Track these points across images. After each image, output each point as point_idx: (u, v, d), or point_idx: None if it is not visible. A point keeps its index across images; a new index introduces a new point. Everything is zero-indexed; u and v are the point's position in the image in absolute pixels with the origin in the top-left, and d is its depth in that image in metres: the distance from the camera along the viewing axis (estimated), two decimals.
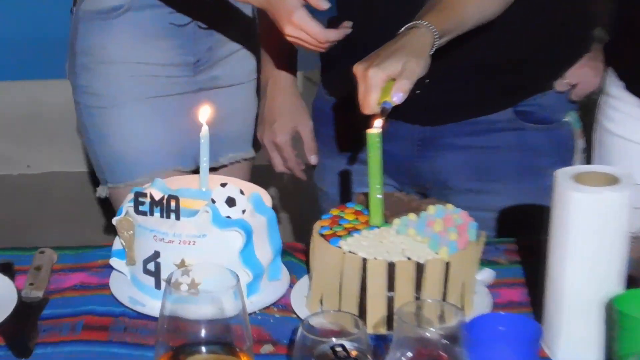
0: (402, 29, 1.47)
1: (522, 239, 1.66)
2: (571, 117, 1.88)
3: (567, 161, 1.83)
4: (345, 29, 1.67)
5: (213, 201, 1.46)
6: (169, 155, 2.04)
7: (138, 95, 1.73)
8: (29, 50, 4.44)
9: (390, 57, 1.39)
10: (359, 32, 1.57)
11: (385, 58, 1.39)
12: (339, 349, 1.06)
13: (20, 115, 4.05)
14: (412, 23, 1.48)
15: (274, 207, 1.56)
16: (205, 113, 1.45)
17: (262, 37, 1.93)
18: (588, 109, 1.89)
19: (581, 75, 1.85)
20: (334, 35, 1.64)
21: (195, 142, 1.55)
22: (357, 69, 1.40)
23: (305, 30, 1.60)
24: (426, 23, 1.47)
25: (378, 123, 1.39)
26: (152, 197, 1.44)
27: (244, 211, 1.48)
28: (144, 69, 1.66)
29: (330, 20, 1.82)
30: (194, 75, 1.97)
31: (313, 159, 1.96)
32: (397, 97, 1.38)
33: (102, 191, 2.12)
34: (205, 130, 1.49)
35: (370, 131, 1.39)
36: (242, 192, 1.48)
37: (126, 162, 2.05)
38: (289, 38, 1.58)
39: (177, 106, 1.56)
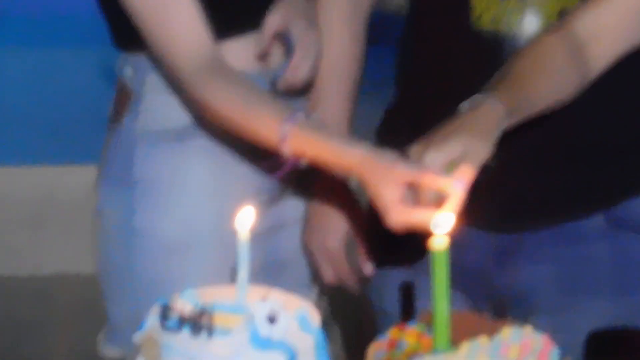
0: (464, 103, 1.44)
1: None
2: None
3: None
4: None
5: (252, 317, 1.42)
6: None
7: (216, 240, 1.67)
8: (42, 135, 4.49)
9: (450, 138, 1.38)
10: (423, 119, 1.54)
11: (444, 139, 1.37)
12: None
13: (31, 202, 4.00)
14: (476, 96, 1.45)
15: (324, 323, 1.52)
16: (246, 216, 1.39)
17: None
18: None
19: None
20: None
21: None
22: (413, 152, 1.39)
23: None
24: (491, 98, 1.46)
25: (441, 228, 1.35)
26: (181, 311, 1.40)
27: (287, 330, 1.44)
28: (226, 202, 1.59)
29: (387, 112, 1.97)
30: (264, 210, 1.80)
31: (368, 269, 1.89)
32: (459, 185, 1.36)
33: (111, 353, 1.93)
34: (244, 235, 1.44)
35: (435, 246, 1.32)
36: (285, 308, 1.43)
37: None
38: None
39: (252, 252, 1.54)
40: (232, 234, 1.39)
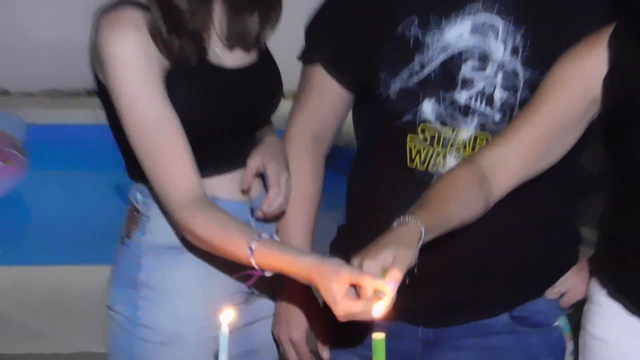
0: (394, 223, 1.48)
1: None
2: (561, 322, 1.87)
3: None
4: None
5: None
6: None
7: (202, 333, 1.68)
8: (68, 241, 4.41)
9: (382, 249, 1.39)
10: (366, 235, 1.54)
11: (378, 250, 1.39)
12: None
13: (56, 294, 3.80)
14: (401, 218, 1.49)
15: None
16: (227, 315, 1.36)
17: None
18: (575, 315, 1.90)
19: (570, 284, 1.85)
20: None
21: None
22: (354, 260, 1.41)
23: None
24: (414, 219, 1.48)
25: (378, 312, 1.39)
26: None
27: None
28: (211, 303, 1.58)
29: (340, 229, 1.91)
30: (241, 309, 1.83)
31: (325, 355, 1.89)
32: (390, 285, 1.36)
33: None
34: (225, 329, 1.39)
35: (375, 336, 1.30)
36: None
37: None
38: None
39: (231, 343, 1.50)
40: (216, 327, 1.34)
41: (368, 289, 1.37)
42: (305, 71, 1.87)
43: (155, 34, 1.64)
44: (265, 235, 1.58)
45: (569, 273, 1.84)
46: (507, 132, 1.68)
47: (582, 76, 1.67)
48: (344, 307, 1.37)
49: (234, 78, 1.76)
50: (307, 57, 1.86)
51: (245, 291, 1.80)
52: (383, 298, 1.38)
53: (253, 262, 1.57)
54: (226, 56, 1.76)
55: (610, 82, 1.65)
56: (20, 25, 5.89)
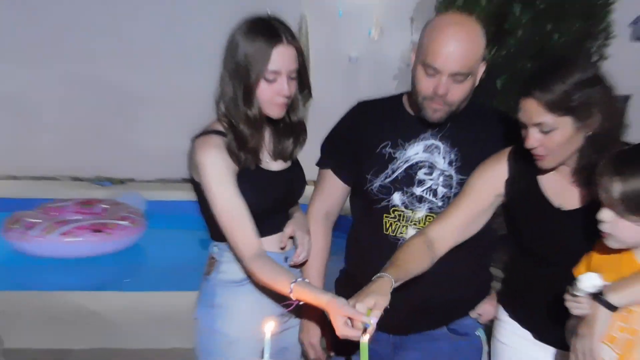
0: (374, 277, 1.54)
1: None
2: (480, 332, 1.92)
3: (478, 359, 1.91)
4: None
5: None
6: None
7: (255, 336, 1.57)
8: (165, 272, 4.41)
9: (368, 296, 1.47)
10: (362, 277, 1.60)
11: (365, 296, 1.47)
12: None
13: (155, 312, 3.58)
14: (379, 274, 1.55)
15: None
16: (269, 325, 1.38)
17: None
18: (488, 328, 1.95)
19: (485, 309, 1.89)
20: None
21: None
22: (350, 301, 1.47)
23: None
24: (387, 275, 1.54)
25: (366, 337, 1.41)
26: None
27: None
28: (260, 318, 1.59)
29: (341, 271, 1.98)
30: (280, 322, 1.80)
31: (332, 353, 1.95)
32: (373, 320, 1.44)
33: None
34: (268, 335, 1.39)
35: (362, 340, 1.41)
36: None
37: None
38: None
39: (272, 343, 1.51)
40: (262, 334, 1.36)
41: (358, 323, 1.45)
42: (320, 172, 1.94)
43: (230, 150, 1.72)
44: (299, 280, 1.67)
45: (484, 300, 1.92)
46: (444, 214, 1.77)
47: (491, 180, 1.73)
48: (342, 331, 1.45)
49: (277, 178, 1.83)
50: (322, 163, 1.92)
51: (282, 312, 1.84)
52: (368, 328, 1.43)
53: (292, 296, 1.64)
54: (272, 164, 1.81)
55: (508, 183, 1.72)
56: (144, 134, 5.97)
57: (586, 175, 1.52)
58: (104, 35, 5.82)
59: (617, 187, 1.37)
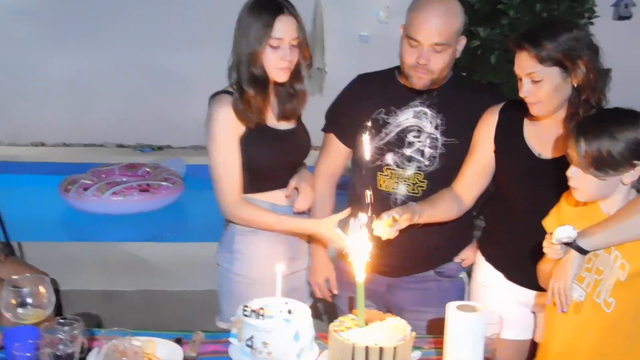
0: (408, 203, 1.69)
1: (435, 337, 1.65)
2: (463, 275, 1.96)
3: (461, 298, 1.88)
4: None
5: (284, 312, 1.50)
6: None
7: (268, 277, 1.60)
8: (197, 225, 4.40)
9: (395, 210, 1.56)
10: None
11: (393, 211, 1.56)
12: None
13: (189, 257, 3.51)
14: (411, 203, 1.67)
15: (315, 313, 1.68)
16: (280, 268, 1.49)
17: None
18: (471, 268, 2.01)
19: (467, 254, 1.93)
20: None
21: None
22: (384, 214, 1.54)
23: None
24: (417, 206, 1.64)
25: (362, 277, 1.43)
26: (251, 308, 1.46)
27: (298, 317, 1.48)
28: (273, 261, 1.58)
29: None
30: (289, 265, 1.79)
31: (334, 291, 2.00)
32: (394, 230, 1.52)
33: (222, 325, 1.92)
34: (279, 276, 1.50)
35: (358, 280, 1.46)
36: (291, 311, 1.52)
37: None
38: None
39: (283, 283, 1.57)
40: (275, 274, 1.50)
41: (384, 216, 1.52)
42: (325, 137, 1.96)
43: (236, 108, 1.75)
44: (282, 215, 1.76)
45: (467, 247, 1.95)
46: (461, 171, 1.77)
47: (487, 130, 1.73)
48: (333, 243, 1.64)
49: (284, 135, 1.84)
50: (327, 129, 1.95)
51: (292, 255, 1.89)
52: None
53: (277, 227, 1.73)
54: (278, 124, 1.82)
55: (498, 130, 1.71)
56: (179, 107, 5.79)
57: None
58: (147, 23, 5.80)
59: (582, 147, 1.39)
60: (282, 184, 1.84)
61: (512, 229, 1.72)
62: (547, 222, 1.53)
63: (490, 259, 1.80)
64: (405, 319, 1.50)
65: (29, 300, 1.37)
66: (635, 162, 1.39)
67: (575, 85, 1.51)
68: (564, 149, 1.49)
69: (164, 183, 4.60)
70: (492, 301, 1.74)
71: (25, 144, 6.03)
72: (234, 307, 1.60)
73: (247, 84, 1.70)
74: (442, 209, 1.69)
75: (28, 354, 1.21)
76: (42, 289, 1.38)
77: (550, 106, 1.56)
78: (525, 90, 1.54)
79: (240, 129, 1.74)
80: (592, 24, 4.08)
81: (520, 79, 1.56)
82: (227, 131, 1.73)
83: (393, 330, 1.41)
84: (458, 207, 1.72)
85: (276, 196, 1.83)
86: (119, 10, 5.88)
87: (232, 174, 1.76)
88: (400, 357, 1.35)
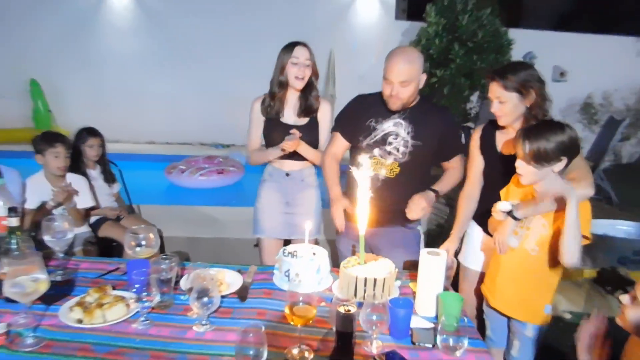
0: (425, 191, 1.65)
1: (411, 271, 1.60)
2: (420, 228, 1.80)
3: (418, 243, 1.78)
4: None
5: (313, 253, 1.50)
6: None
7: (274, 206, 1.78)
8: (247, 194, 4.11)
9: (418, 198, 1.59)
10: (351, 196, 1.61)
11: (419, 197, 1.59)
12: None
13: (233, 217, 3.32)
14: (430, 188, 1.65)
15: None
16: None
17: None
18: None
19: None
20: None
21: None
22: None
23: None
24: (435, 189, 1.63)
25: (363, 231, 1.39)
26: (288, 251, 1.46)
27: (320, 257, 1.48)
28: (278, 207, 1.71)
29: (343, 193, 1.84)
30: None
31: (342, 228, 1.75)
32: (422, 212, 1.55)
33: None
34: (307, 229, 1.44)
35: (360, 233, 1.42)
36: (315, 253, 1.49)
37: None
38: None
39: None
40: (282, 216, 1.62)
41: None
42: (333, 134, 1.86)
43: (263, 102, 1.86)
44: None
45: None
46: (467, 177, 1.71)
47: (476, 145, 1.67)
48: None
49: (289, 127, 1.86)
50: (334, 129, 1.85)
51: (286, 201, 1.89)
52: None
53: (282, 147, 1.74)
54: (295, 119, 1.88)
55: (481, 138, 1.67)
56: (240, 117, 5.59)
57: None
58: (224, 59, 5.79)
59: (526, 146, 1.37)
60: (285, 157, 1.88)
61: (484, 197, 1.69)
62: (502, 193, 1.52)
63: (475, 218, 1.75)
64: (386, 256, 1.46)
65: (143, 242, 1.38)
66: (562, 157, 1.37)
67: (528, 105, 1.50)
68: (515, 148, 1.47)
69: (231, 168, 4.61)
70: (473, 243, 1.71)
71: (141, 142, 6.06)
72: (256, 225, 1.88)
73: (275, 85, 1.84)
74: (451, 183, 1.67)
75: (142, 278, 1.22)
76: (151, 235, 1.39)
77: (510, 119, 1.53)
78: (495, 108, 1.53)
79: (263, 117, 1.86)
80: None
81: (492, 100, 1.53)
82: (257, 115, 1.86)
83: (383, 267, 1.37)
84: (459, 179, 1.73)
85: (289, 164, 1.89)
86: (205, 49, 5.84)
87: (254, 137, 1.91)
88: (387, 285, 1.33)
